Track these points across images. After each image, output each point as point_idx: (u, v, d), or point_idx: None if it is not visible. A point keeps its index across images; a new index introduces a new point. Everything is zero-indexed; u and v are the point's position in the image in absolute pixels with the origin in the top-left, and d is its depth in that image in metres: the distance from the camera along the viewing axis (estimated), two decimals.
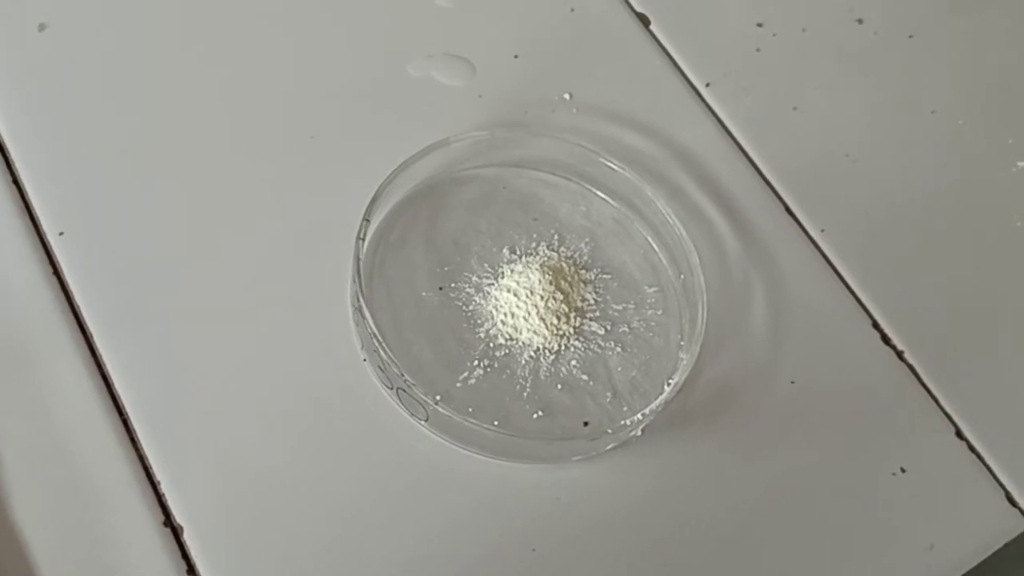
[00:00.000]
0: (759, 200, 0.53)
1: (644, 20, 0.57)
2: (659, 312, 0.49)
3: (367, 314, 0.44)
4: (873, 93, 0.58)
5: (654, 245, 0.50)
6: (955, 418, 0.49)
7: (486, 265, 0.48)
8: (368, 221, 0.46)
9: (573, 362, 0.47)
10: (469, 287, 0.48)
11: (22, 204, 0.47)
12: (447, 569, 0.43)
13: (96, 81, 0.50)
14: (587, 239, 0.50)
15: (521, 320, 0.46)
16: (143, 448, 0.43)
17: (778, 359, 0.49)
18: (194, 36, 0.53)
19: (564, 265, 0.48)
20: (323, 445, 0.44)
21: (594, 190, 0.51)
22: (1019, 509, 0.48)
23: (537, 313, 0.46)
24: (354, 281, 0.45)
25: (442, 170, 0.50)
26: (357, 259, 0.45)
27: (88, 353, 0.44)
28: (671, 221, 0.49)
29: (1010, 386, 0.50)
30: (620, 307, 0.48)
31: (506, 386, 0.46)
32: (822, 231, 0.53)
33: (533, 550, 0.44)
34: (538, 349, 0.47)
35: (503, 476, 0.45)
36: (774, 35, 0.58)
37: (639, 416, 0.44)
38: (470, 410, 0.45)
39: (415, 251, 0.48)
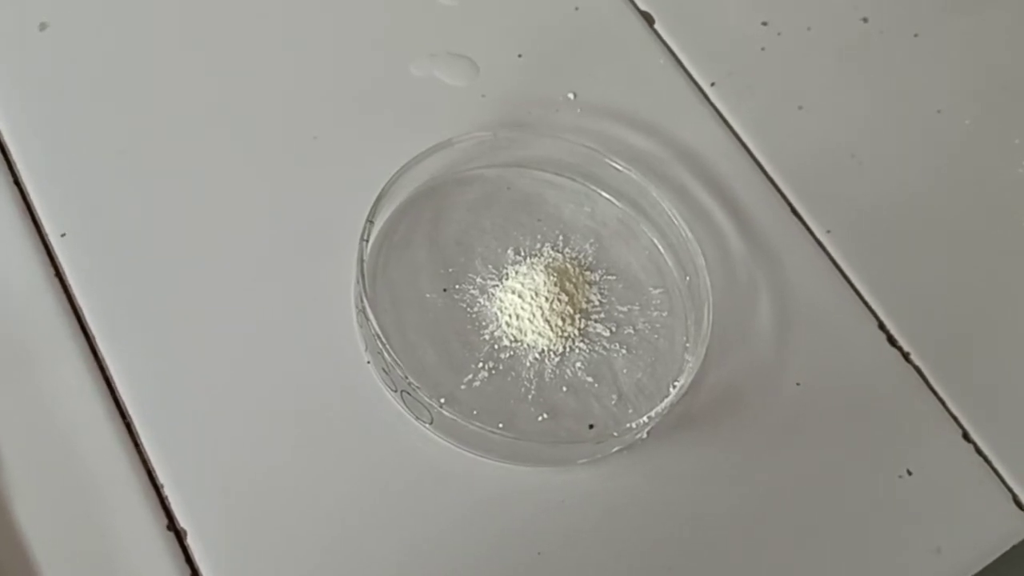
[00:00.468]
0: (764, 201, 0.53)
1: (648, 19, 0.57)
2: (664, 314, 0.48)
3: (371, 316, 0.43)
4: (878, 92, 0.57)
5: (659, 246, 0.50)
6: (962, 420, 0.49)
7: (490, 266, 0.48)
8: (372, 222, 0.46)
9: (578, 364, 0.47)
10: (473, 288, 0.47)
11: (24, 205, 0.47)
12: (451, 572, 0.43)
13: (97, 81, 0.50)
14: (592, 240, 0.50)
15: (526, 322, 0.46)
16: (146, 451, 0.43)
17: (784, 361, 0.49)
18: (195, 36, 0.52)
19: (569, 266, 0.48)
20: (327, 448, 0.44)
21: (599, 191, 0.51)
22: None
23: (542, 315, 0.46)
24: (358, 282, 0.45)
25: (445, 171, 0.50)
26: (361, 260, 0.45)
27: (90, 355, 0.44)
28: (676, 222, 0.48)
29: (1017, 388, 0.50)
30: (625, 309, 0.48)
31: (511, 388, 0.46)
32: (828, 232, 0.52)
33: (538, 553, 0.43)
34: (543, 351, 0.46)
35: (508, 479, 0.44)
36: (779, 34, 0.58)
37: (645, 419, 0.44)
38: (475, 413, 0.45)
39: (419, 252, 0.48)
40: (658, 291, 0.49)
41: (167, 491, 0.42)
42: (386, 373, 0.44)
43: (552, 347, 0.46)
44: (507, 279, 0.47)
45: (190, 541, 0.42)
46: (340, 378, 0.45)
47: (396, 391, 0.44)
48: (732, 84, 0.56)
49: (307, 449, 0.44)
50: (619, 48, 0.56)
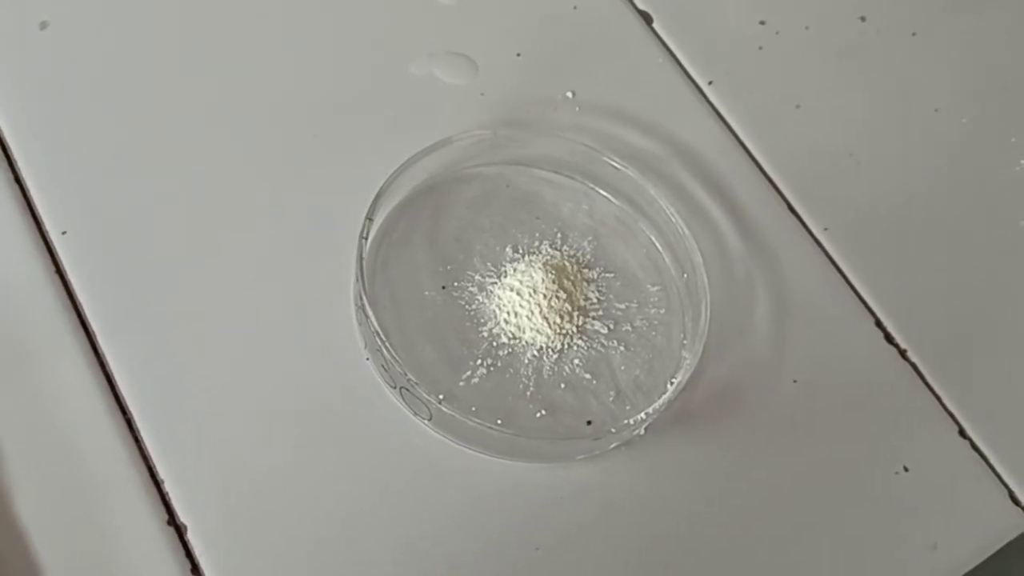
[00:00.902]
0: (762, 198, 0.53)
1: (647, 18, 0.57)
2: (662, 311, 0.49)
3: (370, 313, 0.44)
4: (876, 91, 0.58)
5: (657, 244, 0.50)
6: (958, 417, 0.49)
7: (489, 264, 0.48)
8: (371, 220, 0.46)
9: (576, 361, 0.47)
10: (472, 286, 0.48)
11: (24, 203, 0.47)
12: (450, 568, 0.43)
13: (98, 80, 0.50)
14: (590, 238, 0.50)
15: (524, 319, 0.46)
16: (146, 447, 0.43)
17: (781, 358, 0.49)
18: (196, 35, 0.52)
19: (567, 264, 0.48)
20: (326, 444, 0.44)
21: (597, 189, 0.51)
22: (1022, 508, 0.48)
23: (540, 312, 0.46)
24: (357, 280, 0.45)
25: (444, 169, 0.50)
26: (360, 258, 0.45)
27: (91, 352, 0.44)
28: (674, 220, 0.49)
29: (1013, 385, 0.50)
30: (623, 306, 0.48)
31: (509, 385, 0.46)
32: (825, 230, 0.53)
33: (536, 549, 0.44)
34: (541, 348, 0.47)
35: (506, 475, 0.45)
36: (777, 33, 0.58)
37: (642, 415, 0.44)
38: (473, 409, 0.45)
39: (418, 250, 0.48)
40: (656, 288, 0.49)
41: (167, 487, 0.43)
42: (385, 370, 0.44)
43: (550, 344, 0.47)
44: (506, 276, 0.48)
45: (190, 536, 0.42)
46: (339, 375, 0.45)
47: (395, 388, 0.45)
48: (730, 83, 0.56)
49: (306, 445, 0.44)
50: (618, 47, 0.56)
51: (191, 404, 0.44)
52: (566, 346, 0.47)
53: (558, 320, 0.47)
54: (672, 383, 0.46)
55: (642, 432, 0.46)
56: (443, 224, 0.49)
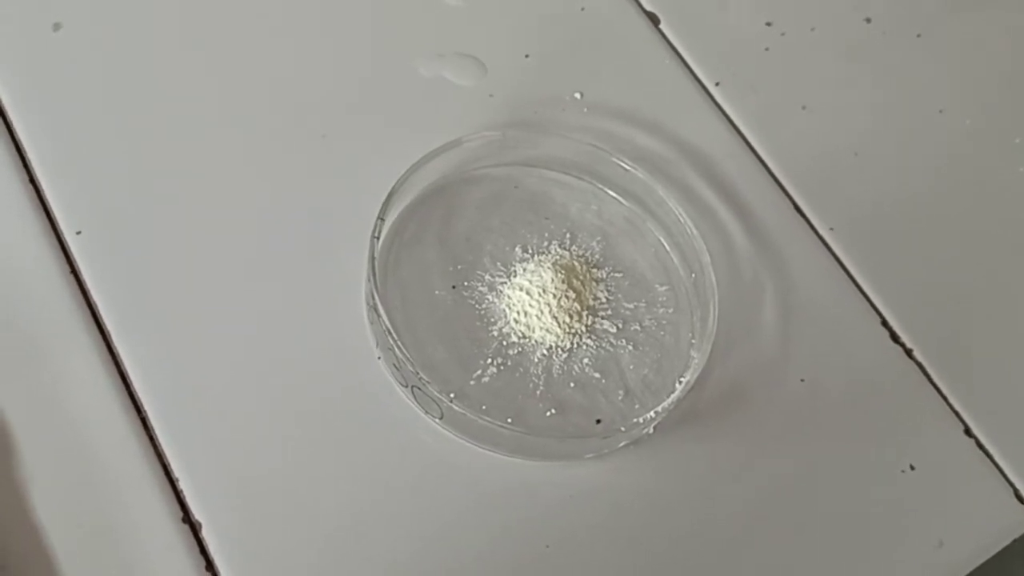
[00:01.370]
0: (769, 199, 0.53)
1: (654, 19, 0.58)
2: (670, 310, 0.49)
3: (382, 312, 0.44)
4: (881, 92, 0.58)
5: (665, 244, 0.51)
6: (964, 416, 0.49)
7: (499, 264, 0.49)
8: (382, 220, 0.46)
9: (585, 360, 0.47)
10: (482, 286, 0.48)
11: (39, 204, 0.48)
12: (460, 565, 0.43)
13: (111, 81, 0.51)
14: (599, 238, 0.50)
15: (534, 318, 0.47)
16: (161, 445, 0.44)
17: (788, 357, 0.49)
18: (207, 36, 0.53)
19: (576, 264, 0.49)
20: (338, 442, 0.44)
21: (605, 189, 0.51)
22: None
23: (550, 311, 0.47)
24: (369, 280, 0.45)
25: (454, 169, 0.50)
26: (372, 258, 0.45)
27: (106, 351, 0.45)
28: (682, 220, 0.49)
29: (1018, 384, 0.51)
30: (632, 306, 0.49)
31: (519, 384, 0.46)
32: (831, 229, 0.53)
33: (546, 546, 0.44)
34: (551, 347, 0.47)
35: (516, 473, 0.45)
36: (783, 34, 0.59)
37: (651, 414, 0.45)
38: (484, 408, 0.45)
39: (429, 250, 0.49)
40: (664, 288, 0.50)
41: (182, 484, 0.43)
42: (397, 369, 0.45)
43: (560, 343, 0.47)
44: (515, 276, 0.48)
45: (205, 533, 0.42)
46: (351, 374, 0.46)
47: (407, 386, 0.45)
48: (736, 84, 0.56)
49: (319, 443, 0.44)
50: (625, 48, 0.57)
51: (205, 402, 0.44)
52: (575, 345, 0.47)
53: (567, 319, 0.47)
54: (681, 382, 0.46)
55: (651, 431, 0.46)
56: (453, 224, 0.49)
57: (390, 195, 0.47)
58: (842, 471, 0.47)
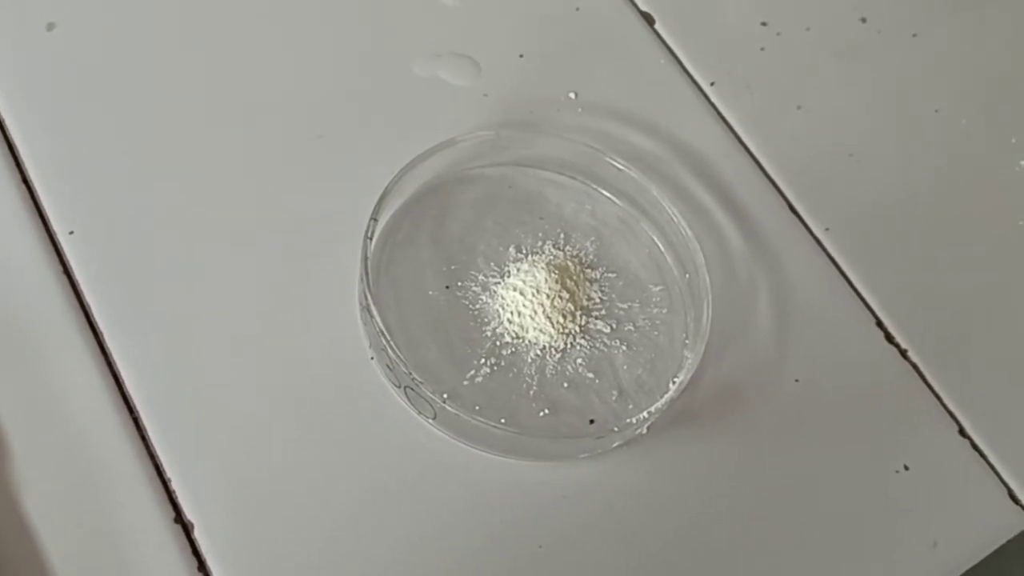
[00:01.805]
0: (763, 199, 0.53)
1: (649, 19, 0.58)
2: (664, 311, 0.49)
3: (375, 313, 0.44)
4: (877, 92, 0.58)
5: (659, 244, 0.50)
6: (958, 416, 0.49)
7: (492, 264, 0.49)
8: (376, 220, 0.46)
9: (579, 360, 0.47)
10: (476, 286, 0.48)
11: (32, 204, 0.47)
12: (454, 566, 0.43)
13: (105, 80, 0.51)
14: (593, 238, 0.50)
15: (527, 319, 0.47)
16: (153, 445, 0.43)
17: (782, 358, 0.49)
18: (201, 36, 0.53)
19: (570, 264, 0.49)
20: (331, 443, 0.44)
21: (600, 189, 0.51)
22: (1022, 506, 0.48)
23: (543, 312, 0.47)
24: (362, 280, 0.45)
25: (448, 169, 0.50)
26: (365, 258, 0.45)
27: (98, 351, 0.45)
28: (676, 220, 0.49)
29: (1013, 384, 0.51)
30: (625, 306, 0.49)
31: (513, 384, 0.46)
32: (826, 230, 0.53)
33: (539, 547, 0.44)
34: (544, 347, 0.47)
35: (509, 474, 0.45)
36: (778, 34, 0.59)
37: (645, 414, 0.44)
38: (477, 408, 0.45)
39: (422, 250, 0.49)
40: (658, 288, 0.50)
41: (174, 485, 0.43)
42: (390, 369, 0.45)
43: (553, 344, 0.47)
44: (509, 276, 0.48)
45: (197, 534, 0.42)
46: (344, 374, 0.46)
47: (399, 387, 0.45)
48: (732, 84, 0.56)
49: (311, 444, 0.44)
50: (620, 48, 0.57)
51: (197, 403, 0.44)
52: (569, 345, 0.47)
53: (561, 320, 0.47)
54: (674, 382, 0.46)
55: (644, 431, 0.46)
56: (447, 224, 0.49)
57: (383, 195, 0.47)
58: (836, 471, 0.47)
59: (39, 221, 0.47)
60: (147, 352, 0.45)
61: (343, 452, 0.44)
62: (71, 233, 0.47)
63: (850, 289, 0.52)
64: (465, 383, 0.46)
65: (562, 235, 0.50)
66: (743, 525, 0.46)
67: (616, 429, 0.45)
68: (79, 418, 0.43)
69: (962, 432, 0.49)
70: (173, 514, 0.42)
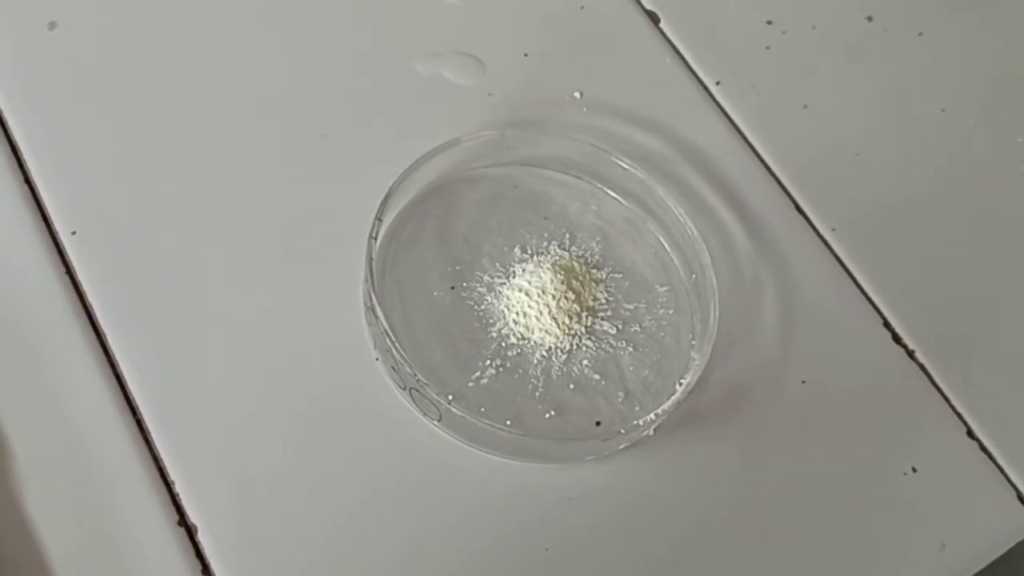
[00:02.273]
0: (770, 199, 0.53)
1: (654, 18, 0.57)
2: (671, 311, 0.49)
3: (379, 313, 0.44)
4: (883, 91, 0.58)
5: (665, 244, 0.50)
6: (966, 418, 0.49)
7: (497, 264, 0.48)
8: (380, 220, 0.46)
9: (585, 362, 0.47)
10: (481, 286, 0.48)
11: (34, 204, 0.47)
12: (459, 569, 0.43)
13: (107, 80, 0.50)
14: (598, 238, 0.50)
15: (533, 319, 0.46)
16: (157, 448, 0.43)
17: (789, 359, 0.49)
18: (205, 35, 0.53)
19: (575, 264, 0.48)
20: (336, 445, 0.44)
21: (605, 189, 0.51)
22: None
23: (549, 312, 0.47)
24: (366, 280, 0.45)
25: (453, 169, 0.50)
26: (369, 258, 0.45)
27: (101, 353, 0.45)
28: (682, 220, 0.49)
29: (1021, 385, 0.50)
30: (632, 306, 0.48)
31: (518, 386, 0.46)
32: (833, 230, 0.53)
33: (546, 549, 0.44)
34: (550, 349, 0.47)
35: (515, 476, 0.45)
36: (784, 33, 0.58)
37: (651, 416, 0.44)
38: (482, 410, 0.45)
39: (427, 250, 0.48)
40: (664, 289, 0.49)
41: (178, 488, 0.43)
42: (395, 371, 0.45)
43: (559, 345, 0.47)
44: (514, 277, 0.48)
45: (201, 537, 0.42)
46: (349, 375, 0.45)
47: (405, 388, 0.45)
48: (737, 83, 0.56)
49: (316, 445, 0.44)
50: (625, 47, 0.56)
51: (201, 405, 0.44)
52: (575, 347, 0.47)
53: (567, 321, 0.47)
54: (681, 384, 0.46)
55: (651, 433, 0.46)
56: (452, 224, 0.49)
57: (388, 195, 0.46)
58: (844, 473, 0.47)
59: (41, 221, 0.47)
60: (150, 353, 0.45)
61: (348, 454, 0.44)
62: (73, 233, 0.47)
63: (857, 289, 0.51)
64: (470, 384, 0.46)
65: (567, 235, 0.50)
66: (750, 527, 0.46)
67: (623, 431, 0.44)
68: (81, 419, 0.43)
69: (970, 434, 0.49)
70: (177, 517, 0.42)
